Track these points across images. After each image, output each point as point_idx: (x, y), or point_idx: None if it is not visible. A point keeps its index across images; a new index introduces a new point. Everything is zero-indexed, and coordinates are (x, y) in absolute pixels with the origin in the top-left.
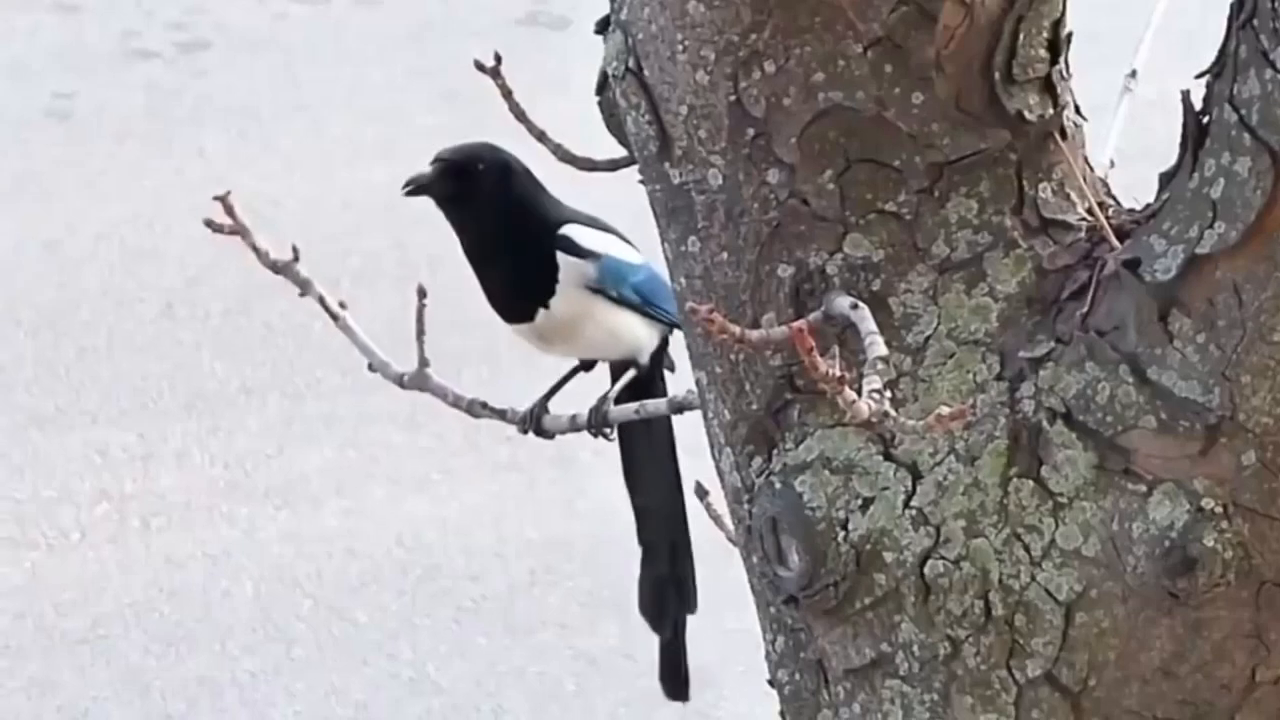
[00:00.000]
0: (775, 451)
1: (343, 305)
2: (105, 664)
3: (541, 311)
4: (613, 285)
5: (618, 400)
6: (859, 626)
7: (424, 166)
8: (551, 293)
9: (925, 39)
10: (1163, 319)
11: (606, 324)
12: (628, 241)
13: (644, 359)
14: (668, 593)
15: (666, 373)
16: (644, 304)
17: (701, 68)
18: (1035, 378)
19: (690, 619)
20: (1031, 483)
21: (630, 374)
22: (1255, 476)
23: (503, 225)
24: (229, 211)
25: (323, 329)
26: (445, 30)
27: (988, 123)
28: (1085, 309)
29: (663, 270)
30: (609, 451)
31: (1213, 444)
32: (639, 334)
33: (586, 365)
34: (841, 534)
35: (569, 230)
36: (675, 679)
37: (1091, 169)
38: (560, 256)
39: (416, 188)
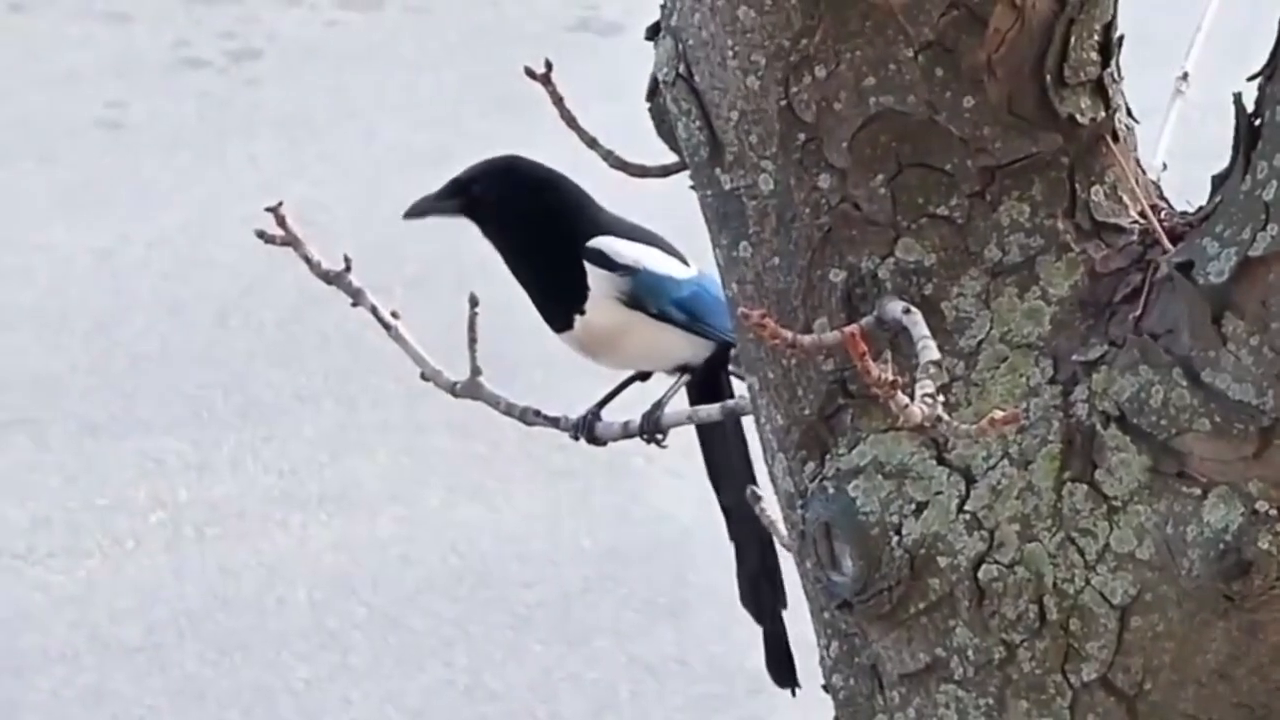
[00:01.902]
0: (828, 456)
1: (395, 315)
2: (160, 672)
3: (578, 319)
4: (652, 301)
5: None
6: (913, 631)
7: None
8: (584, 301)
9: (976, 43)
10: (1216, 321)
11: (647, 339)
12: (675, 254)
13: (696, 364)
14: (762, 586)
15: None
16: (690, 321)
17: (752, 73)
18: (1088, 381)
19: (746, 625)
20: (1085, 486)
21: (683, 379)
22: None
23: (527, 237)
24: (280, 222)
25: (375, 337)
26: (497, 37)
27: (1039, 126)
28: (1138, 312)
29: (714, 284)
30: (662, 458)
31: (1267, 446)
32: (683, 350)
33: (642, 375)
34: (895, 539)
35: (599, 242)
36: (781, 667)
37: (1143, 172)
38: (588, 267)
39: (417, 212)
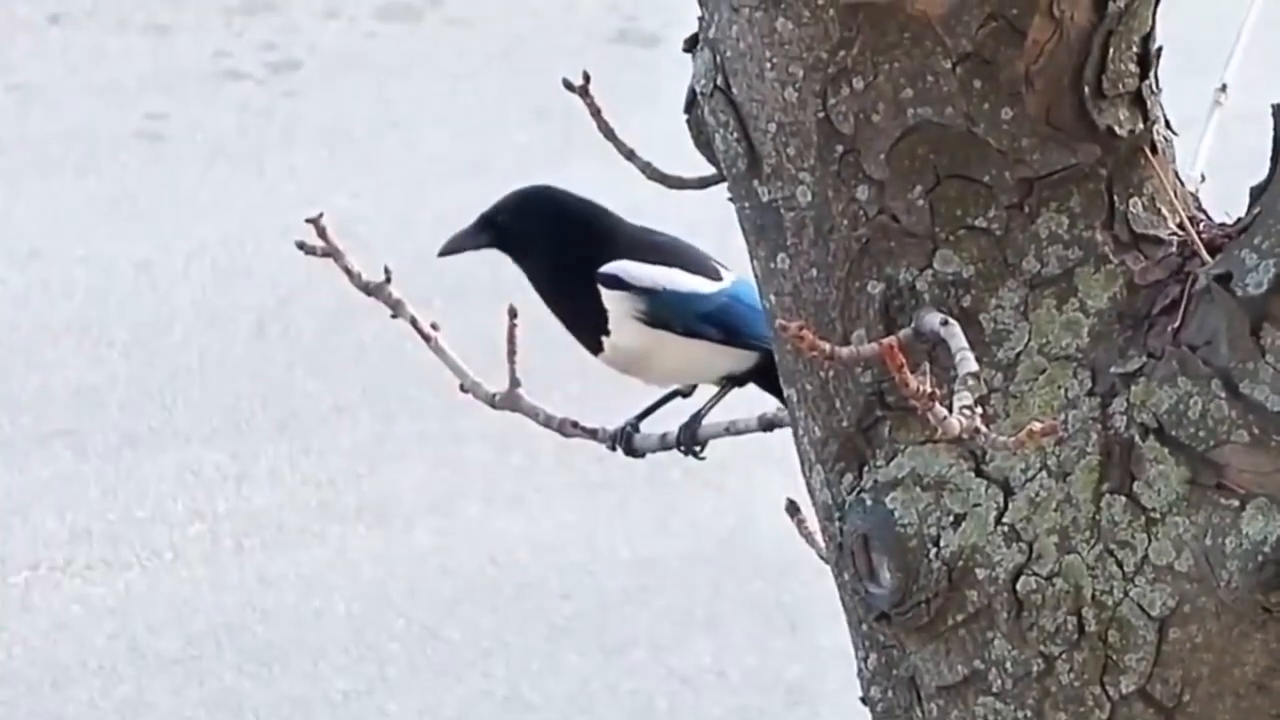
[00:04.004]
0: (866, 468)
1: (435, 326)
2: (199, 685)
3: (606, 342)
4: (677, 320)
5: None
6: (951, 643)
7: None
8: (605, 323)
9: (1014, 54)
10: (1255, 333)
11: (679, 357)
12: (704, 267)
13: (740, 373)
14: None
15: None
16: (725, 335)
17: (790, 85)
18: (1127, 393)
19: (784, 637)
20: (1124, 498)
21: (725, 391)
22: None
23: (549, 266)
24: (320, 233)
25: (414, 348)
26: (536, 48)
27: (1078, 138)
28: (1177, 324)
29: (751, 293)
30: (700, 470)
31: None
32: (722, 363)
33: (683, 392)
34: (933, 551)
35: (613, 266)
36: None
37: (1182, 183)
38: (602, 290)
39: (450, 248)
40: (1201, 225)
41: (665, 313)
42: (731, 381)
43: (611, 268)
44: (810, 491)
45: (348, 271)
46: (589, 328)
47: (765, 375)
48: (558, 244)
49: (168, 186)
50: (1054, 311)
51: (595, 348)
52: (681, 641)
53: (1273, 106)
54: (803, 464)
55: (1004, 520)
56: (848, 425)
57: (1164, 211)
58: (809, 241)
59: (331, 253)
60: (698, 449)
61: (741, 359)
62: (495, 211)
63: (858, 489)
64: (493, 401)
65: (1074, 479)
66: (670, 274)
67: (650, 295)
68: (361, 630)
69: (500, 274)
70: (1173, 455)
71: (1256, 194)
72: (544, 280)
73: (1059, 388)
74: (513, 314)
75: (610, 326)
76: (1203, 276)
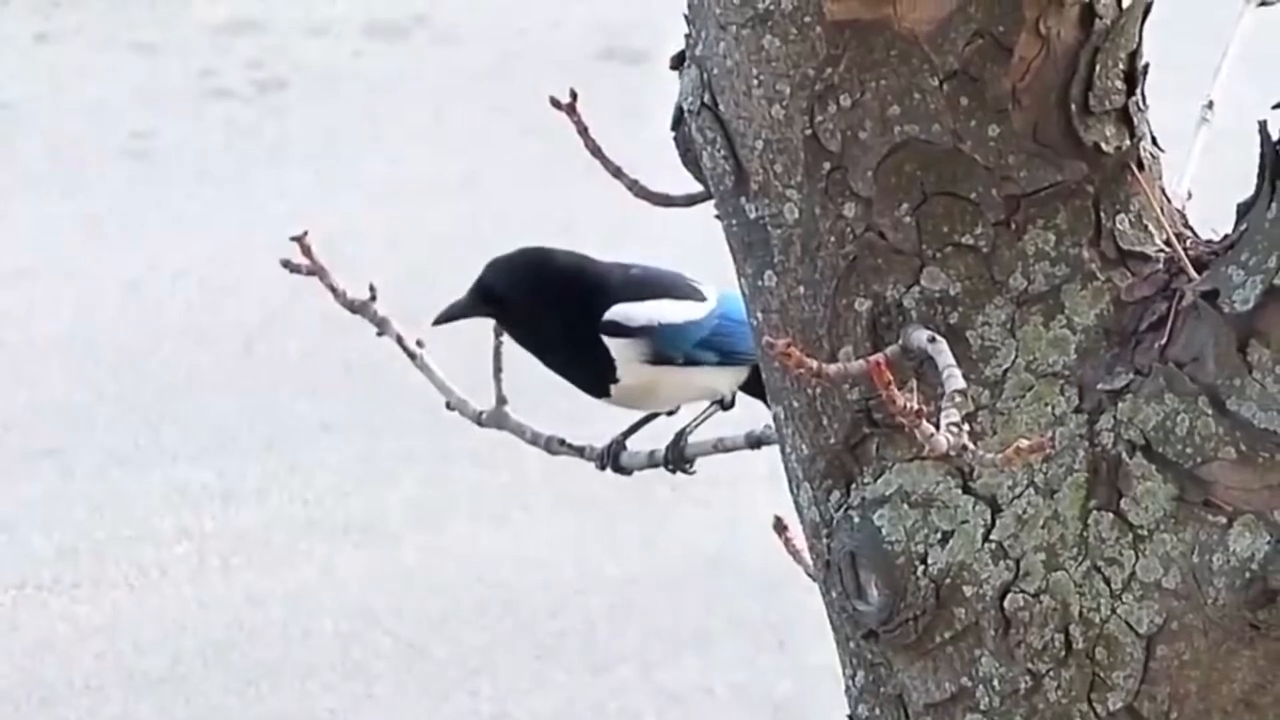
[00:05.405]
0: (853, 485)
1: (420, 344)
2: (185, 703)
3: (613, 387)
4: (677, 352)
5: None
6: (939, 661)
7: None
8: (614, 371)
9: (1001, 71)
10: (1241, 350)
11: (680, 385)
12: (689, 290)
13: (728, 396)
14: None
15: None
16: (721, 356)
17: (777, 102)
18: (1114, 410)
19: (772, 654)
20: (1111, 515)
21: (712, 409)
22: None
23: (554, 326)
24: (305, 251)
25: (401, 366)
26: (523, 66)
27: (1064, 154)
28: (1164, 340)
29: (736, 307)
30: (688, 487)
31: None
32: (717, 382)
33: (670, 411)
34: (921, 568)
35: (612, 314)
36: None
37: (1169, 200)
38: (607, 340)
39: (446, 318)
40: (1188, 242)
41: (665, 348)
42: (719, 404)
43: (611, 315)
44: (798, 509)
45: (333, 290)
46: (597, 377)
47: (758, 385)
48: (559, 303)
49: (155, 204)
50: (1041, 328)
51: (603, 393)
52: (669, 659)
53: (1259, 123)
54: (790, 481)
55: (991, 537)
56: (835, 442)
57: (1151, 228)
58: (796, 259)
59: (317, 271)
60: (686, 465)
61: (738, 374)
62: (489, 282)
63: (845, 506)
64: (479, 419)
65: (1061, 496)
66: (661, 307)
67: (649, 334)
68: (348, 648)
69: None
70: (1160, 472)
71: (1243, 211)
72: (549, 340)
73: (1046, 405)
74: (499, 332)
75: (618, 373)
76: (1190, 293)
